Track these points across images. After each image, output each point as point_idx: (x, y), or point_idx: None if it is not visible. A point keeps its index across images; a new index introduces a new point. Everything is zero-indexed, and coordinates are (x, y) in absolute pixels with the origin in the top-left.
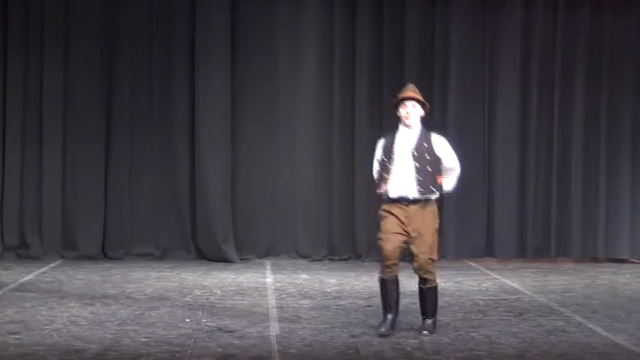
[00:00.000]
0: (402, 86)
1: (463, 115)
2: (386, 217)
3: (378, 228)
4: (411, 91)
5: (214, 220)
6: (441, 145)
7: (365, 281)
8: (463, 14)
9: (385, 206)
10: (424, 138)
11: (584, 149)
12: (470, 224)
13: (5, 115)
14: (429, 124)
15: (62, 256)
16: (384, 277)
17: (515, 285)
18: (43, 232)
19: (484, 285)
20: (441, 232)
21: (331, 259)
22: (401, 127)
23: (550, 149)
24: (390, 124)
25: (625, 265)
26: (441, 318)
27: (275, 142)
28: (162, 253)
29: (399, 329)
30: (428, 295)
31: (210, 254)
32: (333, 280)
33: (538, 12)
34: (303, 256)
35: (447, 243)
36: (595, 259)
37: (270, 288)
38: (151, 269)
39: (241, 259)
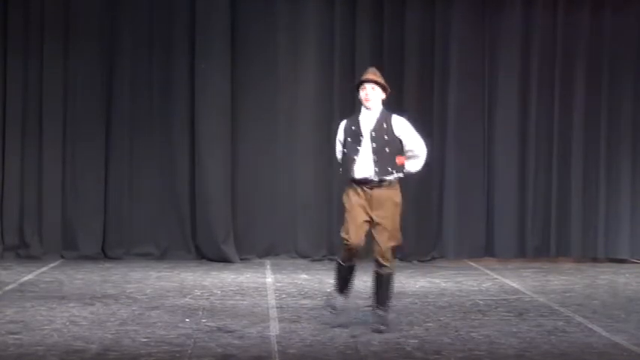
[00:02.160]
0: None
1: (463, 115)
2: (350, 202)
3: (343, 210)
4: (371, 73)
5: (214, 220)
6: (400, 126)
7: (365, 281)
8: (463, 14)
9: (350, 189)
10: (383, 119)
11: (584, 149)
12: (470, 224)
13: (5, 115)
14: (431, 121)
15: (62, 256)
16: (343, 264)
17: (515, 285)
18: (43, 232)
19: (484, 285)
20: (402, 215)
21: (331, 259)
22: (362, 110)
23: (550, 149)
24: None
25: (625, 265)
26: (441, 318)
27: (275, 141)
28: (162, 253)
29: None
30: (382, 282)
31: (210, 254)
32: (333, 280)
33: (538, 11)
34: (303, 256)
35: (447, 243)
36: (595, 259)
37: (270, 288)
38: (151, 269)
39: (241, 259)
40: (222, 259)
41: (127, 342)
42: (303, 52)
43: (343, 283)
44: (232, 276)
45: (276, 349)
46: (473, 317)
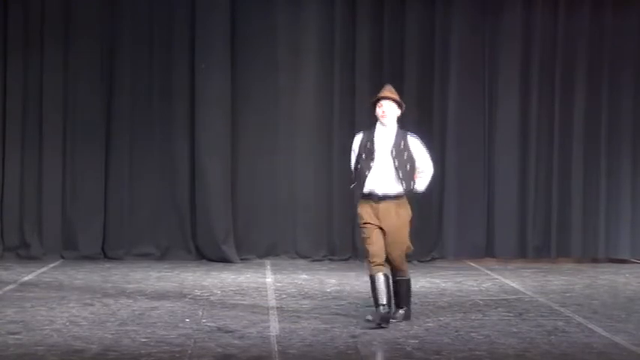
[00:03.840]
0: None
1: (463, 115)
2: (366, 216)
3: (359, 225)
4: (387, 91)
5: (214, 220)
6: (416, 146)
7: (365, 281)
8: (463, 14)
9: (363, 203)
10: (401, 137)
11: (584, 149)
12: (470, 224)
13: (5, 115)
14: (431, 121)
15: (62, 256)
16: (373, 273)
17: (515, 285)
18: (43, 232)
19: (484, 285)
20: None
21: (331, 259)
22: (378, 126)
23: (550, 149)
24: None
25: (625, 266)
26: (441, 318)
27: (275, 142)
28: (163, 253)
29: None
30: (401, 287)
31: (210, 254)
32: (333, 280)
33: (538, 11)
34: (303, 256)
35: (447, 243)
36: (595, 260)
37: (270, 288)
38: (151, 269)
39: (241, 259)
40: (222, 259)
41: (127, 342)
42: (303, 52)
43: (377, 293)
44: (232, 276)
45: (276, 349)
46: (473, 317)
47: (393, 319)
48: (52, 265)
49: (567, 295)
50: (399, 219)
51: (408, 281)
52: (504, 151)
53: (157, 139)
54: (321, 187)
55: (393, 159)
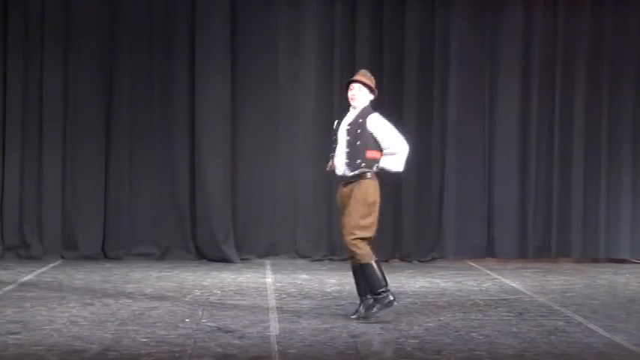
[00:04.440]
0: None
1: (463, 115)
2: (337, 200)
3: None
4: (359, 74)
5: (214, 220)
6: (374, 123)
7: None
8: (463, 13)
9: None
10: (361, 116)
11: (585, 149)
12: (470, 224)
13: (5, 114)
14: (431, 121)
15: (62, 256)
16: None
17: (515, 285)
18: (43, 232)
19: (484, 285)
20: (380, 210)
21: (331, 259)
22: (350, 109)
23: (551, 149)
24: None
25: (625, 266)
26: (441, 318)
27: (275, 141)
28: (163, 253)
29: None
30: (356, 274)
31: (210, 254)
32: (333, 280)
33: (538, 10)
34: (303, 256)
35: (447, 243)
36: (595, 260)
37: (270, 288)
38: (151, 269)
39: (241, 259)
40: (222, 259)
41: (127, 342)
42: (304, 52)
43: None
44: (232, 276)
45: (276, 349)
46: (473, 317)
47: (364, 315)
48: (52, 265)
49: (567, 295)
50: (351, 200)
51: (367, 268)
52: (504, 151)
53: (157, 139)
54: (321, 187)
55: (346, 135)
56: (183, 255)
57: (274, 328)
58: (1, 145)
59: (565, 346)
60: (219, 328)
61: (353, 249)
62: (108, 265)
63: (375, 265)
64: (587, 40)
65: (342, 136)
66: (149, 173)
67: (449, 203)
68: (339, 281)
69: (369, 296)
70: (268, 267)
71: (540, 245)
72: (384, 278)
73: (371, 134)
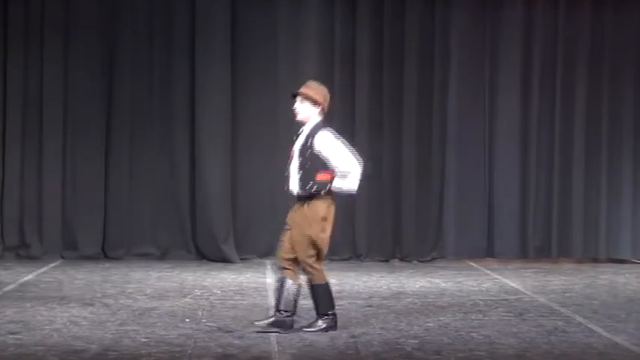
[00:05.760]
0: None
1: (463, 115)
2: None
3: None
4: (304, 86)
5: (214, 220)
6: (322, 142)
7: (365, 281)
8: (463, 12)
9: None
10: (310, 134)
11: (585, 149)
12: (470, 224)
13: (5, 114)
14: (431, 120)
15: (62, 256)
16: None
17: (515, 285)
18: (43, 232)
19: (484, 285)
20: (334, 228)
21: (331, 259)
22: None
23: (551, 149)
24: (390, 123)
25: (625, 266)
26: (441, 318)
27: (275, 141)
28: (163, 253)
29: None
30: (310, 292)
31: (210, 254)
32: (333, 280)
33: (539, 10)
34: None
35: (447, 243)
36: (596, 260)
37: (270, 288)
38: (151, 269)
39: (241, 259)
40: (222, 259)
41: (127, 342)
42: (304, 52)
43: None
44: (232, 276)
45: (276, 349)
46: (473, 317)
47: (308, 327)
48: (52, 265)
49: (567, 295)
50: (302, 219)
51: (317, 287)
52: (505, 151)
53: (157, 138)
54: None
55: (297, 158)
56: (183, 255)
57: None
58: (1, 145)
59: (565, 346)
60: (219, 328)
61: (311, 266)
62: (108, 265)
63: (328, 287)
64: (588, 36)
65: (295, 157)
66: (149, 173)
67: (449, 203)
68: (339, 281)
69: (318, 316)
70: (268, 267)
71: (541, 245)
72: (333, 302)
73: (319, 155)
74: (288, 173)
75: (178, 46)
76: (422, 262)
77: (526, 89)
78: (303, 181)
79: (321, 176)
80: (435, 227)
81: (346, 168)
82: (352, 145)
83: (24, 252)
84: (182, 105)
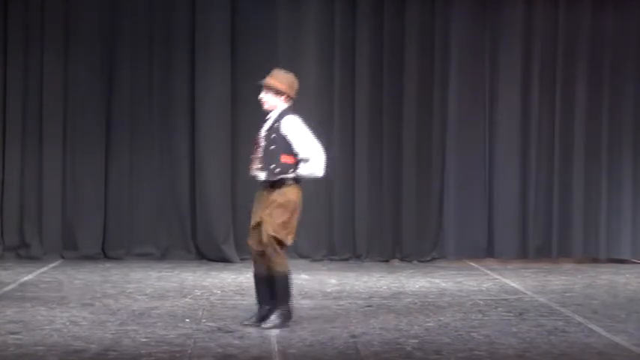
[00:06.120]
0: None
1: (463, 114)
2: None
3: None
4: (268, 76)
5: (214, 220)
6: (288, 126)
7: (365, 281)
8: (463, 12)
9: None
10: (277, 119)
11: (585, 149)
12: (470, 224)
13: (5, 115)
14: (431, 120)
15: (62, 256)
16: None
17: (515, 285)
18: (43, 232)
19: (484, 285)
20: (300, 216)
21: (331, 259)
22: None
23: (551, 148)
24: (390, 122)
25: (625, 266)
26: (441, 318)
27: None
28: (163, 253)
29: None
30: (270, 283)
31: (210, 254)
32: (333, 280)
33: (539, 9)
34: (303, 256)
35: (447, 243)
36: (596, 260)
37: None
38: (151, 269)
39: (241, 259)
40: (222, 259)
41: (127, 342)
42: (304, 52)
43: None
44: (232, 276)
45: (276, 349)
46: (473, 317)
47: (263, 323)
48: (52, 265)
49: (567, 295)
50: (268, 205)
51: (279, 278)
52: (505, 151)
53: (157, 139)
54: (321, 187)
55: (263, 142)
56: (183, 255)
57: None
58: (1, 145)
59: (565, 346)
60: (219, 328)
61: (274, 254)
62: (108, 265)
63: (288, 278)
64: (588, 35)
65: (261, 141)
66: (149, 173)
67: (449, 203)
68: (339, 281)
69: (273, 308)
70: None
71: (541, 245)
72: (290, 295)
73: (284, 138)
74: (254, 157)
75: (178, 44)
76: (422, 262)
77: (526, 88)
78: (267, 163)
79: (284, 159)
80: (435, 227)
81: (308, 154)
82: (352, 146)
83: (24, 252)
84: (182, 104)
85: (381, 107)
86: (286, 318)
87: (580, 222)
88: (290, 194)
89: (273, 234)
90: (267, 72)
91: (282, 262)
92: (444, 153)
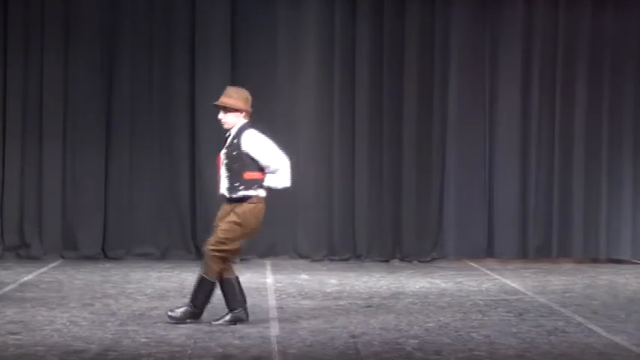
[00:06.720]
0: None
1: (463, 115)
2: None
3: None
4: (223, 95)
5: (214, 220)
6: (248, 141)
7: (365, 281)
8: (464, 11)
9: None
10: (236, 136)
11: (585, 149)
12: (470, 224)
13: (5, 115)
14: (431, 120)
15: (62, 256)
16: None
17: (515, 285)
18: (43, 232)
19: (484, 285)
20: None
21: (331, 259)
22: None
23: (551, 149)
24: (390, 122)
25: (625, 266)
26: (441, 318)
27: (275, 140)
28: (163, 253)
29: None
30: (197, 284)
31: None
32: (333, 280)
33: (539, 9)
34: (303, 256)
35: (447, 243)
36: (596, 260)
37: (270, 288)
38: (151, 269)
39: (241, 259)
40: None
41: (127, 342)
42: (303, 52)
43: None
44: None
45: (276, 349)
46: (473, 317)
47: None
48: (52, 265)
49: (567, 295)
50: (228, 218)
51: (207, 282)
52: (505, 151)
53: (157, 139)
54: (321, 186)
55: (224, 161)
56: (183, 255)
57: (274, 328)
58: (1, 145)
59: (565, 347)
60: (219, 328)
61: (210, 260)
62: (108, 265)
63: (213, 289)
64: (588, 35)
65: (223, 160)
66: (149, 173)
67: (449, 203)
68: (339, 281)
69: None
70: (268, 267)
71: (541, 245)
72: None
73: (247, 154)
74: (219, 178)
75: (178, 44)
76: (422, 262)
77: (526, 88)
78: (232, 181)
79: (249, 175)
80: (435, 227)
81: (275, 165)
82: (352, 146)
83: (24, 252)
84: (182, 104)
85: (381, 107)
86: (189, 316)
87: (580, 222)
88: (249, 215)
89: (211, 247)
90: (267, 72)
91: (215, 269)
92: (444, 153)
